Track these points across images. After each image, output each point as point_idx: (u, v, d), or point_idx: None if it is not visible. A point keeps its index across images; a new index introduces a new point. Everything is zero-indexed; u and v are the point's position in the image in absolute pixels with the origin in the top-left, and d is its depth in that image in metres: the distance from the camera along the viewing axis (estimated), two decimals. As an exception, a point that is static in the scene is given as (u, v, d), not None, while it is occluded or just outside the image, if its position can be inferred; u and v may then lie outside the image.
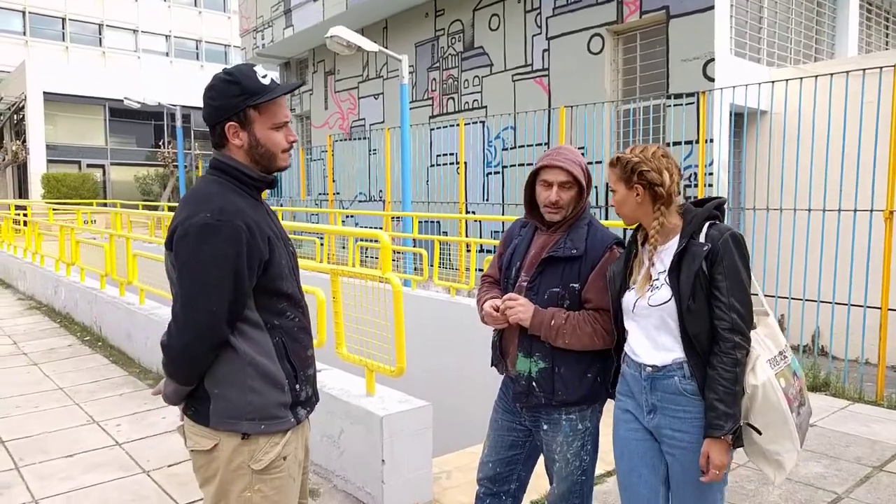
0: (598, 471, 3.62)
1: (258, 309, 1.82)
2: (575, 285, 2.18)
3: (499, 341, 2.33)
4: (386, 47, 13.31)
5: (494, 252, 2.52)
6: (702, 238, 1.98)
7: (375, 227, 12.08)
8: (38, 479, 3.69)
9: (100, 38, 36.14)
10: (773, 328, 2.03)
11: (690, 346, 1.97)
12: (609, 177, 2.11)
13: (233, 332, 1.77)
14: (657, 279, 2.04)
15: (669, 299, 1.99)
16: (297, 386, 1.88)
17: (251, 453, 1.79)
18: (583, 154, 3.84)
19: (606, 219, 7.71)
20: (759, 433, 1.95)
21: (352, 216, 13.58)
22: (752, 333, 1.98)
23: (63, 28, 35.09)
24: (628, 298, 2.09)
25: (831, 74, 6.18)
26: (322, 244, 9.55)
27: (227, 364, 1.78)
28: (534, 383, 2.20)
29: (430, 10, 12.34)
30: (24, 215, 12.20)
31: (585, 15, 9.52)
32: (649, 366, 2.04)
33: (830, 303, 5.91)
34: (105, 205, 22.25)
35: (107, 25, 36.10)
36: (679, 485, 2.05)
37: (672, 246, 2.03)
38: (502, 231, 5.67)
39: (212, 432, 1.79)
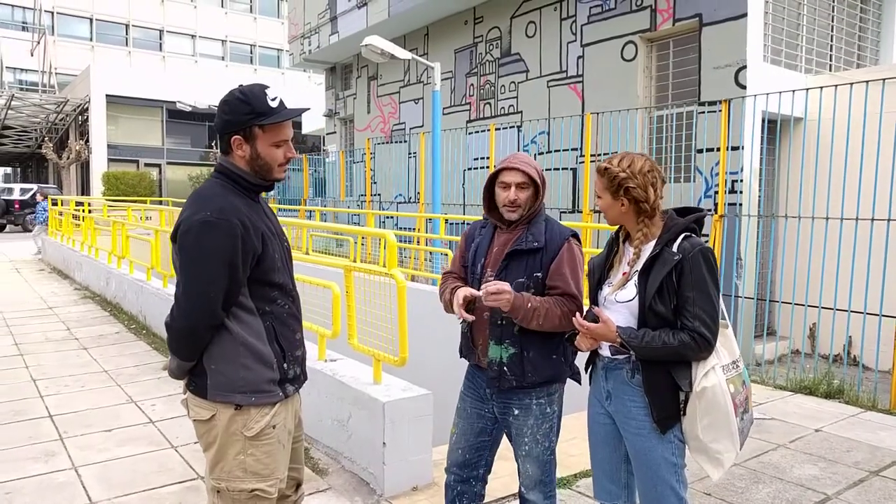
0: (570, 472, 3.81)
1: (252, 296, 2.07)
2: (538, 274, 2.38)
3: (469, 332, 2.51)
4: (427, 53, 13.64)
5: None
6: (675, 248, 2.13)
7: (412, 228, 12.38)
8: (78, 450, 4.08)
9: (160, 43, 37.73)
10: (729, 338, 2.18)
11: None
12: (596, 183, 2.28)
13: (228, 315, 2.03)
14: (631, 279, 2.22)
15: (633, 298, 2.16)
16: (285, 365, 2.13)
17: (244, 422, 2.05)
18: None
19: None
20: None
21: (390, 217, 13.93)
22: None
23: (126, 34, 36.81)
24: (604, 292, 2.28)
25: (867, 82, 6.15)
26: (356, 243, 9.89)
27: (223, 344, 2.04)
28: (505, 368, 2.39)
29: (469, 18, 12.59)
30: (83, 211, 12.95)
31: (619, 23, 9.61)
32: (606, 356, 2.24)
33: (862, 313, 5.87)
34: (160, 202, 23.23)
35: (167, 31, 37.67)
36: (635, 465, 2.23)
37: (649, 249, 2.19)
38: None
39: (209, 404, 2.06)
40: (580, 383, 2.53)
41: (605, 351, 2.26)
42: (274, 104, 2.04)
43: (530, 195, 2.42)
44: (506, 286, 2.29)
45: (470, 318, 2.37)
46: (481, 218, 2.65)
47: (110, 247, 9.65)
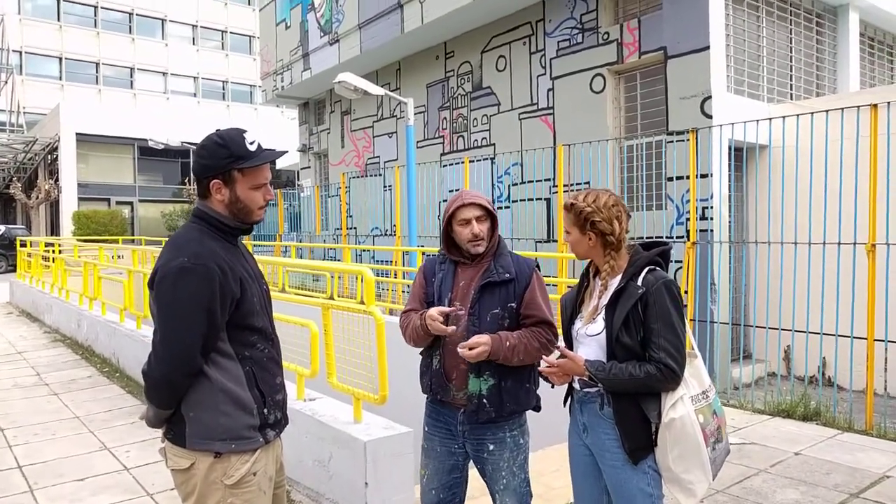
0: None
1: (230, 341, 2.05)
2: (512, 304, 2.43)
3: (441, 368, 2.48)
4: (399, 88, 13.79)
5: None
6: (639, 281, 2.17)
7: (388, 261, 12.38)
8: (49, 501, 3.95)
9: (131, 81, 37.58)
10: (699, 369, 2.22)
11: None
12: (564, 219, 2.33)
13: (207, 361, 2.01)
14: (600, 312, 2.25)
15: (601, 332, 2.21)
16: (266, 410, 2.10)
17: (223, 470, 2.01)
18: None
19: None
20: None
21: (367, 250, 13.91)
22: None
23: (97, 72, 36.60)
24: (576, 326, 2.32)
25: (826, 111, 6.37)
26: (333, 278, 9.84)
27: (201, 391, 2.01)
28: (484, 400, 2.41)
29: (440, 53, 12.80)
30: (53, 252, 12.71)
31: (587, 56, 9.85)
32: (579, 389, 2.26)
33: (834, 335, 5.97)
34: (132, 241, 22.92)
35: (138, 68, 37.55)
36: (613, 496, 2.24)
37: (615, 283, 2.24)
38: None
39: (188, 452, 2.02)
40: (539, 411, 2.54)
41: (577, 384, 2.29)
42: (252, 147, 2.05)
43: (489, 226, 2.49)
44: (481, 338, 2.32)
45: (451, 329, 2.36)
46: (437, 252, 2.67)
47: (81, 288, 9.47)
